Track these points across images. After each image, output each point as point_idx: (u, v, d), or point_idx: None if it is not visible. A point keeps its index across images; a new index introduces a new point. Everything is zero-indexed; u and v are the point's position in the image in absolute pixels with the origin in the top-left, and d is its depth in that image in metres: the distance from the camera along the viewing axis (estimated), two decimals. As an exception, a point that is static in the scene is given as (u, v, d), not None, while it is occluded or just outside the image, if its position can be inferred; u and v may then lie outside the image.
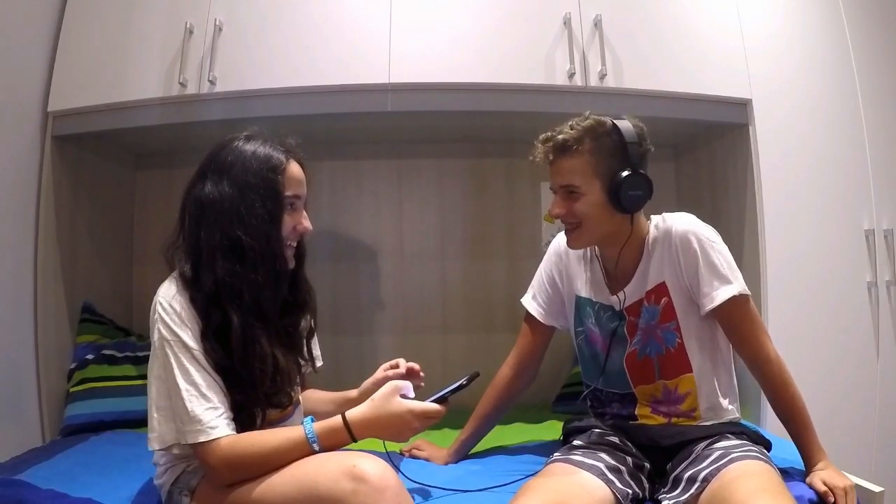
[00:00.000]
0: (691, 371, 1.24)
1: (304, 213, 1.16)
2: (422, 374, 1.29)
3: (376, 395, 1.05)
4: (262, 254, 1.07)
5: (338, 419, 1.02)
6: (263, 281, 1.07)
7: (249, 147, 1.11)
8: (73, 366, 1.78)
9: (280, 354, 1.10)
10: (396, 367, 1.30)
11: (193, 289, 1.06)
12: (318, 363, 1.34)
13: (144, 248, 2.19)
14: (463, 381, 1.11)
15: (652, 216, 1.30)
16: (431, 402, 1.06)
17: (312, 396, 1.38)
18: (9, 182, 1.64)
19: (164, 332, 1.03)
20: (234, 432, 1.01)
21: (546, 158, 1.23)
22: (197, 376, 1.01)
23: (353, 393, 1.33)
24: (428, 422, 1.04)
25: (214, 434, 0.98)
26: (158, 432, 1.02)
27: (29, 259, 1.70)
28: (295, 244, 1.16)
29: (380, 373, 1.31)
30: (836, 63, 1.90)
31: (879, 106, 1.92)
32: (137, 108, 1.74)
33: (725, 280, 1.19)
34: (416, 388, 1.12)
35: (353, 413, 1.03)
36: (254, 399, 1.06)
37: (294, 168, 1.14)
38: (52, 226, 1.76)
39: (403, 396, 1.05)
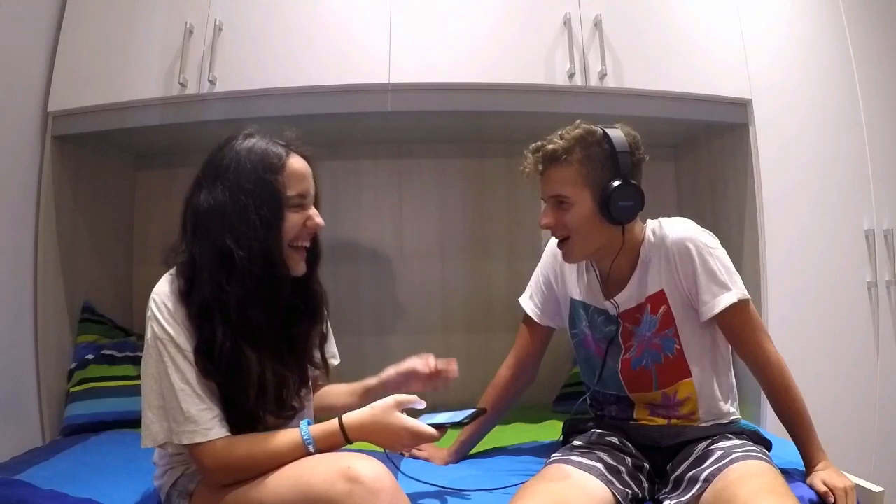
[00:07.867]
0: (690, 376, 1.23)
1: (315, 209, 1.10)
2: (453, 371, 1.24)
3: (377, 404, 1.04)
4: (254, 264, 1.01)
5: (334, 422, 1.02)
6: (253, 294, 1.01)
7: (246, 146, 1.05)
8: (73, 366, 1.78)
9: (270, 370, 1.04)
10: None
11: (187, 303, 1.02)
12: (335, 361, 1.31)
13: (144, 248, 2.18)
14: (465, 418, 1.10)
15: (648, 221, 1.28)
16: (430, 425, 1.04)
17: (332, 391, 1.34)
18: (9, 182, 1.63)
19: (157, 330, 1.00)
20: (229, 433, 1.00)
21: (536, 168, 1.23)
22: (191, 376, 0.99)
23: (373, 381, 1.28)
24: (420, 442, 1.03)
25: (210, 435, 0.97)
26: (151, 431, 1.00)
27: (29, 259, 1.70)
28: (307, 244, 1.10)
29: (406, 364, 1.25)
30: (836, 63, 1.90)
31: (879, 106, 1.92)
32: (137, 108, 1.74)
33: (724, 287, 1.18)
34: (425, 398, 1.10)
35: (350, 417, 1.02)
36: (247, 414, 1.03)
37: (295, 163, 1.06)
38: (52, 226, 1.76)
39: (411, 409, 1.04)
